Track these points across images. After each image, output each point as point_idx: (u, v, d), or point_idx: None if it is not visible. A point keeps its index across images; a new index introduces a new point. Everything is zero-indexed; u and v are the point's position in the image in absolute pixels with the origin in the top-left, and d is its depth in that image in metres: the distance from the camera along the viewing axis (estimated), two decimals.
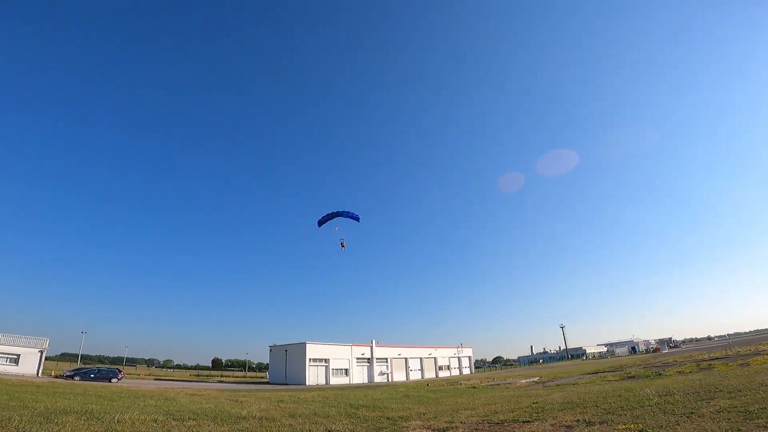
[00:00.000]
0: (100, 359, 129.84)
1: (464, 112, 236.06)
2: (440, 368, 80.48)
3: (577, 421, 10.58)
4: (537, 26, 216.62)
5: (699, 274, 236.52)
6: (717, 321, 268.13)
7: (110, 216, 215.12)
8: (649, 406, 11.68)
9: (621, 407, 12.07)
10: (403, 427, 11.87)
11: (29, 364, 42.61)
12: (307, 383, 56.12)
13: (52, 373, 45.57)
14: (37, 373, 42.56)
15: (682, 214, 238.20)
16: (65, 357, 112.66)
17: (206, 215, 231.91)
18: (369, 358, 67.18)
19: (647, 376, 22.81)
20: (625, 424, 9.38)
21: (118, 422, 10.85)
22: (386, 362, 69.82)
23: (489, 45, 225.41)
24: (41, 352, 44.37)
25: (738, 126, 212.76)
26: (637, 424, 9.21)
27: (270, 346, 69.04)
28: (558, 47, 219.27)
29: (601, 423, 9.95)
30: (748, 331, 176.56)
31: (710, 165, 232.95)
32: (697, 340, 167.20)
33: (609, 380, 23.57)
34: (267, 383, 60.21)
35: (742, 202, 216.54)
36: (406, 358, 73.46)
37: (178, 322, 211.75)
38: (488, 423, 11.78)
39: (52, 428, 9.07)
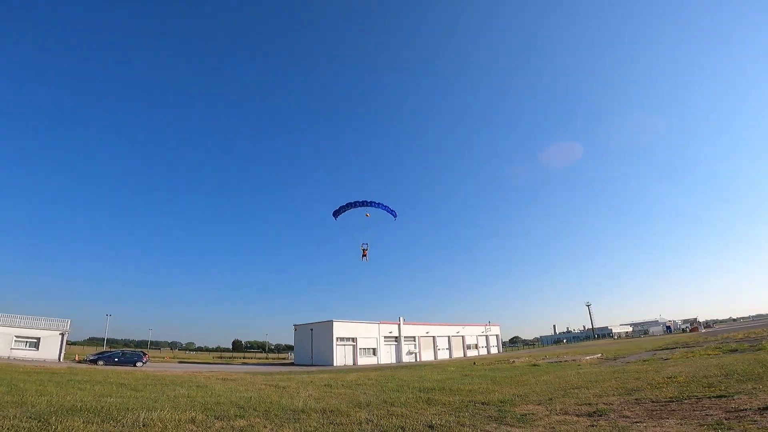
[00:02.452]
0: (126, 343, 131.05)
1: (478, 90, 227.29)
2: (468, 347, 76.97)
3: None
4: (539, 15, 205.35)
5: (717, 255, 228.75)
6: (735, 303, 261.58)
7: (130, 199, 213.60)
8: None
9: None
10: (525, 415, 8.78)
11: (50, 348, 40.64)
12: (334, 364, 53.75)
13: (76, 358, 43.80)
14: (59, 358, 40.62)
15: (701, 192, 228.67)
16: (92, 341, 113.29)
17: (224, 194, 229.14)
18: (396, 337, 64.32)
19: (758, 349, 19.56)
20: None
21: (143, 426, 7.79)
22: (414, 341, 66.79)
23: (489, 35, 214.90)
24: (62, 334, 42.27)
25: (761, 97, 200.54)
26: None
27: (295, 325, 66.52)
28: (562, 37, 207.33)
29: None
30: None
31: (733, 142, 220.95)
32: (721, 321, 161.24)
33: (711, 354, 20.25)
34: (292, 364, 58.15)
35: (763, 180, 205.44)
36: (434, 337, 70.32)
37: (198, 304, 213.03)
38: (650, 401, 8.67)
39: None
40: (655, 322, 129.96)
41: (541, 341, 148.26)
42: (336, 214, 27.47)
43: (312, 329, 61.14)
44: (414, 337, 67.24)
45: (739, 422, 6.19)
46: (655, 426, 6.51)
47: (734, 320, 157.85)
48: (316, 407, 11.37)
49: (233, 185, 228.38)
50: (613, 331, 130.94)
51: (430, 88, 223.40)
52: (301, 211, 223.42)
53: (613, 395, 10.38)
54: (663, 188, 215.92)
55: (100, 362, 38.08)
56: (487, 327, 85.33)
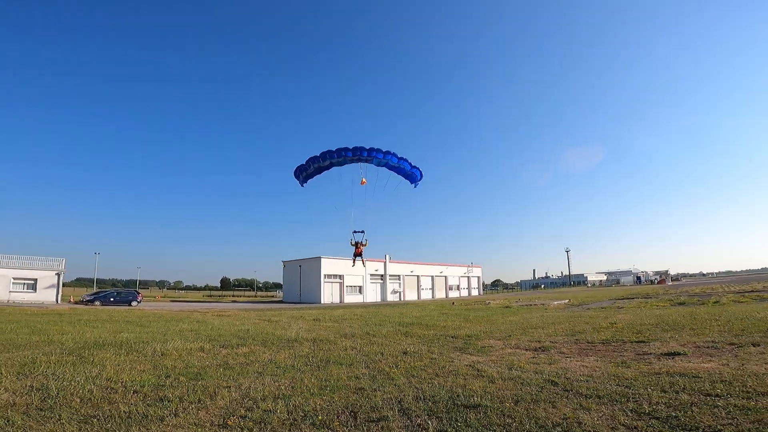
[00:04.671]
0: (114, 283, 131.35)
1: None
2: (450, 288, 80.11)
3: (713, 342, 9.11)
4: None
5: (693, 209, 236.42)
6: (707, 258, 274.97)
7: (115, 134, 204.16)
8: None
9: (742, 330, 10.75)
10: (485, 347, 10.51)
11: (47, 290, 41.52)
12: (322, 301, 56.07)
13: (71, 299, 44.46)
14: (57, 300, 41.68)
15: (685, 144, 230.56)
16: (81, 282, 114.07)
17: (212, 129, 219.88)
18: (382, 275, 66.38)
19: (702, 303, 21.95)
20: None
21: (162, 355, 9.30)
22: (399, 279, 69.38)
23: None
24: (58, 274, 42.93)
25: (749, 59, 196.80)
26: None
27: (283, 262, 67.65)
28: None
29: (754, 345, 8.41)
30: (739, 270, 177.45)
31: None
32: (691, 275, 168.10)
33: (658, 305, 22.63)
34: (281, 302, 60.37)
35: (749, 137, 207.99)
36: (418, 276, 72.98)
37: (185, 241, 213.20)
38: (586, 342, 10.42)
39: (90, 370, 7.38)
40: (627, 272, 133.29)
41: (521, 285, 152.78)
42: (302, 174, 16.18)
43: (300, 266, 62.50)
44: (399, 275, 69.56)
45: (638, 363, 7.71)
46: (578, 361, 8.14)
47: (704, 275, 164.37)
48: (307, 337, 13.16)
49: (222, 120, 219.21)
50: (589, 278, 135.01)
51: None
52: (291, 147, 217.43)
53: (560, 336, 12.17)
54: (652, 140, 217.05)
55: (97, 302, 39.40)
56: (469, 268, 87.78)
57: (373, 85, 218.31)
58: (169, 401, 5.44)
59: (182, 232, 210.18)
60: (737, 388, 5.34)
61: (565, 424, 4.36)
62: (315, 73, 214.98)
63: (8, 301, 37.59)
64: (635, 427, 4.16)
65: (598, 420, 4.42)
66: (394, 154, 15.95)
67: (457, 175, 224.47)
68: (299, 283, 62.22)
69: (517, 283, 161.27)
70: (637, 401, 5.06)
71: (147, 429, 4.37)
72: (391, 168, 16.20)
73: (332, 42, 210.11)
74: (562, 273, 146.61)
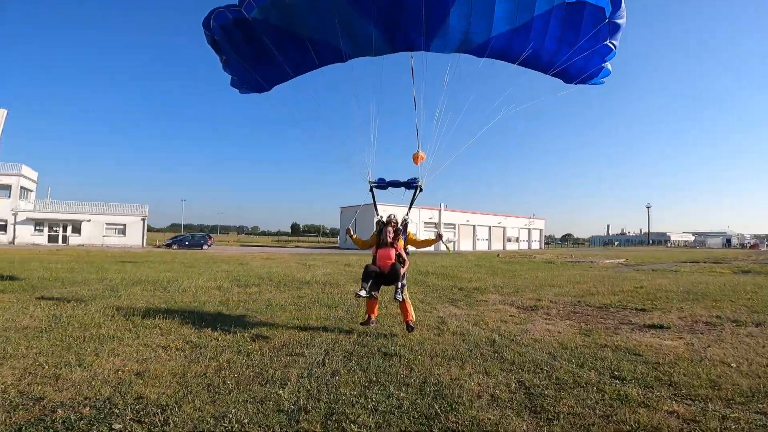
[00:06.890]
0: (201, 228, 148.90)
1: None
2: (509, 240, 77.86)
3: (718, 317, 8.31)
4: None
5: None
6: None
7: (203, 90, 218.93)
8: None
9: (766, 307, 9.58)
10: (479, 301, 10.49)
11: (134, 234, 47.33)
12: None
13: (156, 243, 49.57)
14: (142, 243, 47.32)
15: None
16: (173, 227, 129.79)
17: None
18: (436, 223, 64.71)
19: None
20: None
21: (182, 291, 10.74)
22: (454, 228, 67.96)
23: None
24: (143, 219, 48.56)
25: None
26: None
27: (341, 208, 68.25)
28: None
29: (756, 324, 7.65)
30: None
31: None
32: None
33: (718, 272, 20.39)
34: (337, 248, 62.57)
35: None
36: (474, 226, 71.36)
37: (264, 190, 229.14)
38: (586, 305, 9.85)
39: (110, 302, 8.86)
40: (718, 234, 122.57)
41: (593, 241, 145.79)
42: (240, 40, 6.45)
43: (356, 211, 63.84)
44: (454, 224, 68.20)
45: (604, 332, 6.99)
46: (550, 323, 7.71)
47: None
48: (321, 280, 14.18)
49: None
50: (672, 238, 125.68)
51: None
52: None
53: (567, 296, 11.43)
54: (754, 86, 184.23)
55: (174, 246, 44.64)
56: (530, 220, 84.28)
57: None
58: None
59: (262, 180, 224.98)
60: (653, 375, 4.75)
61: (448, 383, 4.38)
62: None
63: (102, 245, 43.31)
64: (498, 397, 4.07)
65: (475, 386, 4.34)
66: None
67: (534, 121, 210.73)
68: (354, 229, 63.52)
69: (590, 238, 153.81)
70: (537, 373, 4.78)
71: (103, 345, 5.35)
72: (520, 42, 6.32)
73: None
74: (641, 231, 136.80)
